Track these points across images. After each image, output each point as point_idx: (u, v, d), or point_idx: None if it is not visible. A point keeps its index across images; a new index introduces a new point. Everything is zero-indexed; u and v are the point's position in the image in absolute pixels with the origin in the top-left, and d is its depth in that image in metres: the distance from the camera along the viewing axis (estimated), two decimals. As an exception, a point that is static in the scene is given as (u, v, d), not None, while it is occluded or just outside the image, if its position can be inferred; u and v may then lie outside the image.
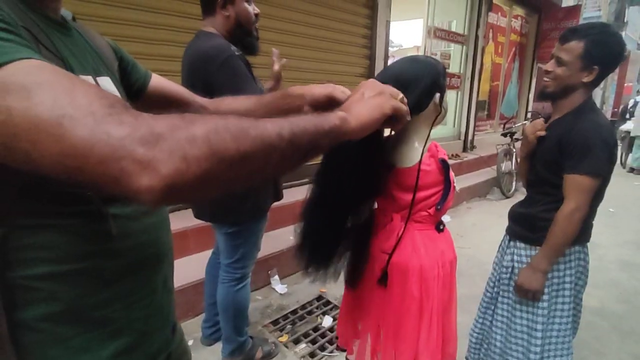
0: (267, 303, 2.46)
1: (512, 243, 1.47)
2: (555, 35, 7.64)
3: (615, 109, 9.78)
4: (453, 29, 5.92)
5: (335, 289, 2.65)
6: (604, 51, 1.23)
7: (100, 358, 0.54)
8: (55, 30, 0.54)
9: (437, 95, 0.99)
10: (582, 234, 1.35)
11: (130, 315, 0.57)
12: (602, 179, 1.24)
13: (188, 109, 0.80)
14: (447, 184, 1.05)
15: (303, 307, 2.45)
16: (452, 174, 1.07)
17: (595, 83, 1.29)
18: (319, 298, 2.56)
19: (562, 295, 1.38)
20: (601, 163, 1.22)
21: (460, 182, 5.00)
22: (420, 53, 5.42)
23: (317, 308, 2.44)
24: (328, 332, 2.19)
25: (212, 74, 1.36)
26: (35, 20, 0.50)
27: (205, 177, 0.37)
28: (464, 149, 6.30)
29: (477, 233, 3.90)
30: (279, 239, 2.80)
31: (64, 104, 0.35)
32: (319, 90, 0.83)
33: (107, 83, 0.60)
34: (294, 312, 2.39)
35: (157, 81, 0.80)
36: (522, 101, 8.26)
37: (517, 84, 8.02)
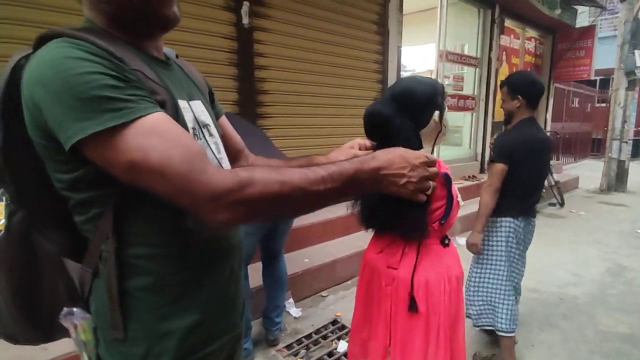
0: (281, 327, 2.44)
1: None
2: (570, 55, 7.62)
3: (637, 128, 9.56)
4: (466, 52, 5.99)
5: (351, 313, 2.59)
6: (518, 85, 1.97)
7: (176, 327, 0.67)
8: (157, 66, 0.70)
9: (437, 113, 1.02)
10: (509, 208, 1.97)
11: (201, 295, 0.69)
12: (505, 164, 1.90)
13: (240, 155, 0.95)
14: (450, 198, 1.07)
15: (318, 331, 2.41)
16: (454, 188, 1.08)
17: (529, 107, 1.97)
18: (334, 322, 2.52)
19: (497, 252, 2.01)
20: (500, 152, 1.93)
21: (477, 203, 4.90)
22: (433, 76, 5.48)
23: (332, 332, 2.40)
24: (343, 358, 2.14)
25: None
26: (144, 60, 0.66)
27: (249, 220, 0.62)
28: (481, 170, 6.23)
29: (497, 256, 3.80)
30: (293, 261, 2.80)
31: (174, 160, 0.55)
32: (341, 157, 0.94)
33: (199, 105, 0.75)
34: (309, 336, 2.36)
35: (223, 122, 0.92)
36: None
37: (533, 105, 7.93)
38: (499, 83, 6.40)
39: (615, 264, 3.53)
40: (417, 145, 1.00)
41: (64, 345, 1.83)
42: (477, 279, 2.10)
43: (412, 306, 1.07)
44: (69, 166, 0.59)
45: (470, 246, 2.04)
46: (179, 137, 0.58)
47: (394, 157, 0.70)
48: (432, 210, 1.07)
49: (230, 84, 3.09)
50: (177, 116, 0.65)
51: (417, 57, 8.44)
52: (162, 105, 0.62)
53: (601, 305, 2.82)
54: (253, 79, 3.21)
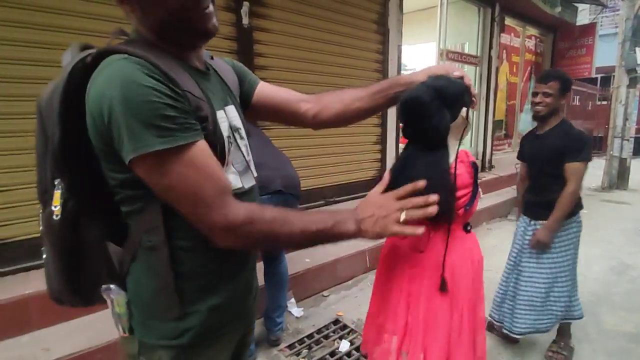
0: (283, 327, 2.43)
1: (533, 222, 2.11)
2: (572, 54, 7.63)
3: (639, 126, 9.52)
4: (466, 51, 5.98)
5: (352, 312, 2.60)
6: (570, 83, 2.02)
7: (201, 308, 0.77)
8: (201, 78, 0.77)
9: (464, 109, 1.06)
10: (578, 204, 2.04)
11: (226, 284, 0.81)
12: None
13: (293, 114, 1.03)
14: (476, 185, 1.15)
15: (319, 331, 2.40)
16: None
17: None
18: (336, 322, 2.51)
19: (568, 251, 2.04)
20: (590, 153, 1.95)
21: (479, 203, 4.90)
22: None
23: (334, 332, 2.39)
24: (345, 358, 2.14)
25: None
26: (190, 73, 0.73)
27: (249, 247, 0.81)
28: (482, 169, 6.22)
29: (499, 255, 3.75)
30: (295, 261, 2.79)
31: (201, 195, 0.66)
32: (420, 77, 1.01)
33: (232, 110, 0.84)
34: (310, 336, 2.35)
35: (262, 89, 0.99)
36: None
37: (534, 103, 7.92)
38: (499, 82, 6.41)
39: (619, 262, 3.52)
40: (445, 133, 1.03)
41: (65, 346, 1.83)
42: (545, 282, 2.03)
43: (443, 286, 1.12)
44: (122, 168, 0.67)
45: (540, 244, 1.99)
46: (213, 171, 0.68)
47: (363, 204, 0.83)
48: (458, 196, 1.12)
49: (231, 84, 3.08)
50: (215, 130, 0.73)
51: (418, 56, 8.41)
52: (205, 120, 0.70)
53: (605, 304, 2.81)
54: (253, 79, 3.20)
